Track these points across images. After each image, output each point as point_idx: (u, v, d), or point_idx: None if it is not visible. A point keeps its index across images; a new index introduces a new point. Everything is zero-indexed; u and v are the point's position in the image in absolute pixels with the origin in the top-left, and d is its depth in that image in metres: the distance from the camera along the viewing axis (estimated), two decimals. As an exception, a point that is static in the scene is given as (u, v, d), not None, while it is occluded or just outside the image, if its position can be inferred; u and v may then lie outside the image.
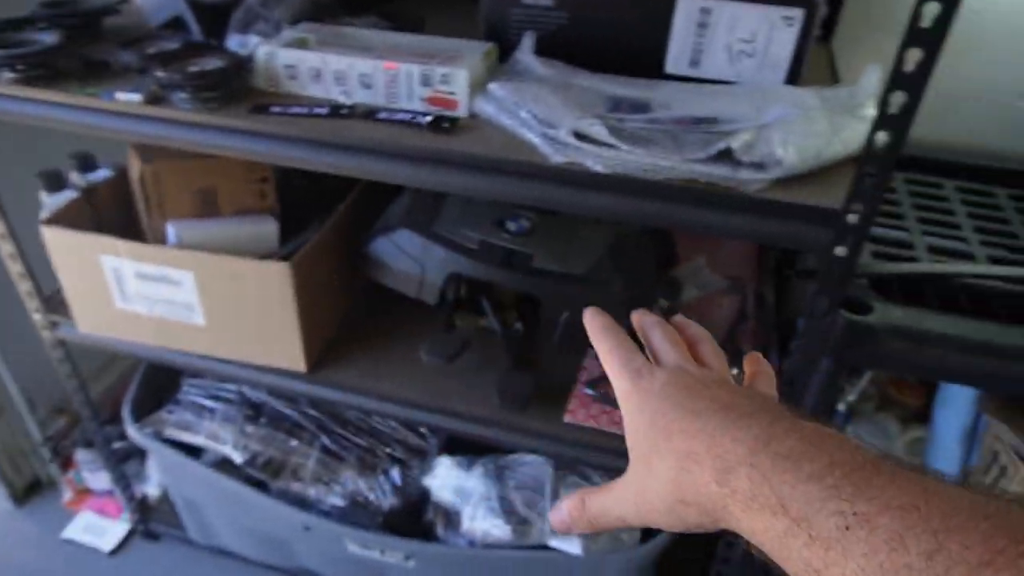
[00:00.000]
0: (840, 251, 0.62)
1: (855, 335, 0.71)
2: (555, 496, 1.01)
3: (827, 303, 0.68)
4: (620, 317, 0.94)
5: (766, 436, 0.30)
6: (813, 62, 0.80)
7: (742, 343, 1.02)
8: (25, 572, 1.34)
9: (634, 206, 0.65)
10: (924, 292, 0.78)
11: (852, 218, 0.60)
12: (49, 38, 0.76)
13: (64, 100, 0.73)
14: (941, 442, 0.89)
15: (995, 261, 0.82)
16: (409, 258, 0.91)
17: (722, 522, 0.31)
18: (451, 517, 1.07)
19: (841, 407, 0.87)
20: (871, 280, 0.78)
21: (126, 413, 1.11)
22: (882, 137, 0.55)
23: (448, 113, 0.71)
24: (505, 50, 0.77)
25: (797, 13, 0.68)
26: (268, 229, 0.94)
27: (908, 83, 0.51)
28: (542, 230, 0.92)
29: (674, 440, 0.33)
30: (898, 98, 0.52)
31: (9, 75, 0.75)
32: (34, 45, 0.75)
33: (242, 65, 0.73)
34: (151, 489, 1.36)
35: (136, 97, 0.69)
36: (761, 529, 0.28)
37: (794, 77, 0.72)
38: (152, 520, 1.37)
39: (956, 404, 0.88)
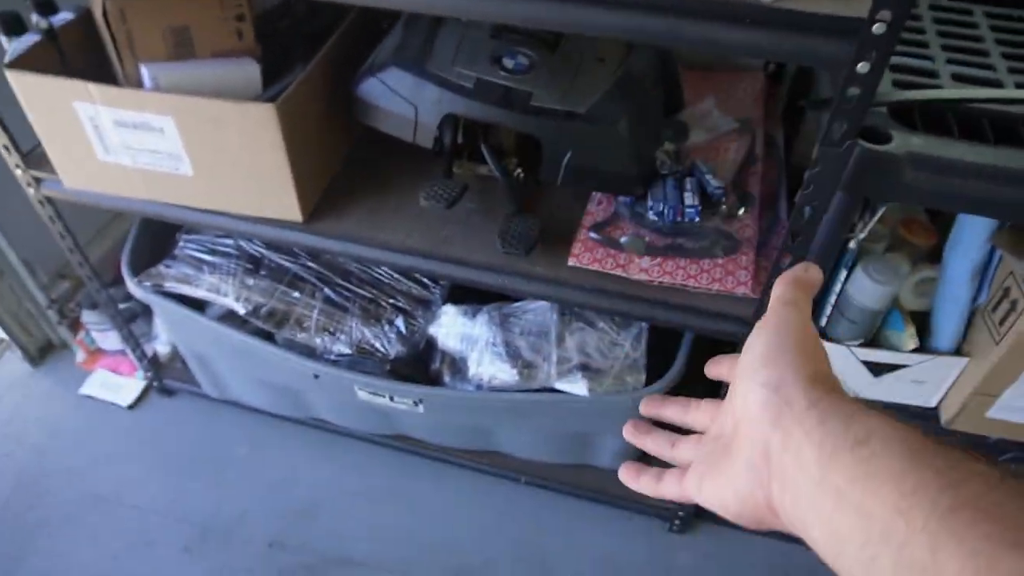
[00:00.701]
0: (862, 67, 0.58)
1: (872, 165, 0.67)
2: (560, 341, 1.02)
3: (845, 128, 0.64)
4: (624, 156, 0.90)
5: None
6: None
7: (750, 185, 0.98)
8: (49, 426, 1.39)
9: (639, 23, 0.59)
10: (946, 121, 0.73)
11: (878, 28, 0.55)
12: None
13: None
14: (951, 281, 0.88)
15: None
16: (401, 99, 0.86)
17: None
18: (457, 365, 1.09)
19: (852, 245, 0.85)
20: (890, 109, 0.73)
21: (125, 269, 1.10)
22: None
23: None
24: None
25: None
26: (249, 71, 0.88)
27: None
28: (541, 67, 0.86)
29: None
30: None
31: None
32: None
33: None
34: (161, 347, 1.38)
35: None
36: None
37: None
38: (165, 376, 1.40)
39: (969, 240, 0.86)
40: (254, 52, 0.92)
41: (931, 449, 0.28)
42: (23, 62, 0.85)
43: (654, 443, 0.44)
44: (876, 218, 0.82)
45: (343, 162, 1.02)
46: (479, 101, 0.84)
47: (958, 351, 0.91)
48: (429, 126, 0.86)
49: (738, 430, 0.35)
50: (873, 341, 0.93)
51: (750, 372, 0.35)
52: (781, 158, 1.05)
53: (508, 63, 0.86)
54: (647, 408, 0.48)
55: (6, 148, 0.96)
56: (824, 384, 0.33)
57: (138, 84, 0.88)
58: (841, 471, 0.28)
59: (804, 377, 0.33)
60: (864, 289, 0.87)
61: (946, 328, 0.89)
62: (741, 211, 0.93)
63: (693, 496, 0.38)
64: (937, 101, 0.73)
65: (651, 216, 0.89)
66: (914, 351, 0.90)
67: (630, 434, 0.46)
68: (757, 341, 0.37)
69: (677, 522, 1.22)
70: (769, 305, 0.39)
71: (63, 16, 0.94)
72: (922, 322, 0.92)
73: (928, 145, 0.68)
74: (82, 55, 0.92)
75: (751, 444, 0.33)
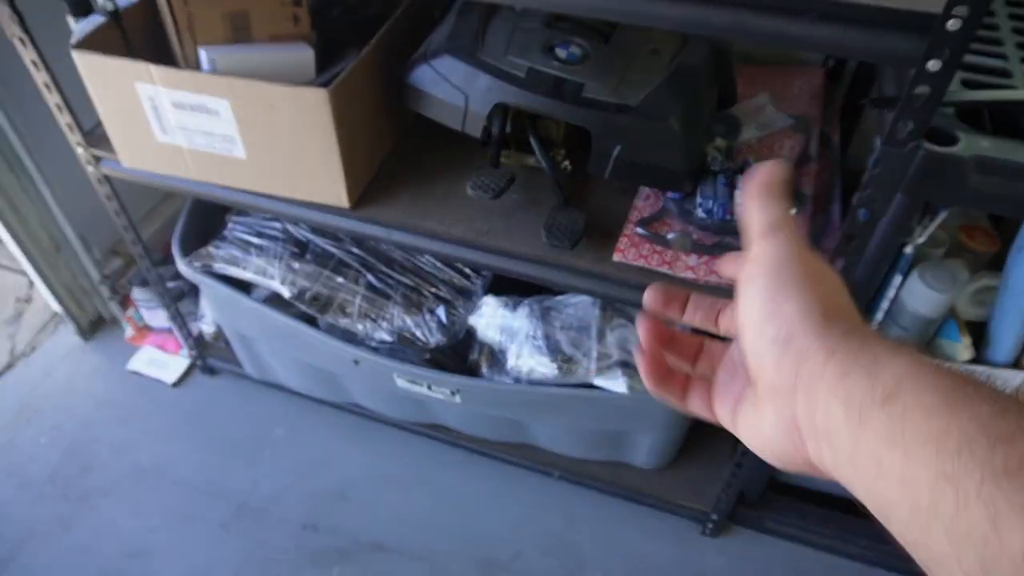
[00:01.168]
0: (933, 65, 0.56)
1: (936, 168, 0.65)
2: (601, 337, 1.01)
3: (910, 128, 0.62)
4: (674, 151, 0.89)
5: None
6: None
7: (804, 185, 0.96)
8: (97, 399, 1.43)
9: (704, 15, 0.58)
10: (1018, 124, 0.70)
11: (953, 24, 0.53)
12: None
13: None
14: (1014, 290, 0.84)
15: (1105, 88, 0.73)
16: (452, 87, 0.86)
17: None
18: (496, 357, 1.09)
19: (908, 250, 0.82)
20: (958, 110, 0.71)
21: (175, 248, 1.12)
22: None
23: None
24: None
25: None
26: (304, 56, 0.89)
27: None
28: (594, 59, 0.85)
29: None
30: None
31: None
32: None
33: None
34: (206, 326, 1.41)
35: None
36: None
37: None
38: (209, 356, 1.43)
39: (1035, 249, 0.83)
40: (309, 37, 0.92)
41: (970, 394, 0.24)
42: (88, 43, 0.87)
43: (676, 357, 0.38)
44: (936, 223, 0.80)
45: (391, 150, 1.03)
46: (530, 91, 0.83)
47: (1016, 364, 0.87)
48: (479, 115, 0.86)
49: (757, 384, 0.31)
50: (926, 350, 0.90)
51: (756, 327, 0.31)
52: (836, 158, 1.02)
53: (561, 53, 0.85)
54: (654, 299, 0.39)
55: (69, 127, 0.99)
56: (839, 322, 0.29)
57: (197, 66, 0.89)
58: (874, 433, 0.25)
59: (815, 323, 0.29)
60: (919, 296, 0.84)
61: (1005, 340, 0.86)
62: (793, 211, 0.91)
63: (727, 426, 0.35)
64: (1009, 103, 0.70)
65: (700, 213, 0.88)
66: (969, 362, 0.87)
67: (644, 329, 0.38)
68: (754, 290, 0.32)
69: (710, 525, 1.20)
70: (752, 241, 0.33)
71: (127, -2, 0.96)
72: (978, 333, 0.88)
73: (997, 148, 0.66)
74: (144, 37, 0.94)
75: (774, 407, 0.30)
